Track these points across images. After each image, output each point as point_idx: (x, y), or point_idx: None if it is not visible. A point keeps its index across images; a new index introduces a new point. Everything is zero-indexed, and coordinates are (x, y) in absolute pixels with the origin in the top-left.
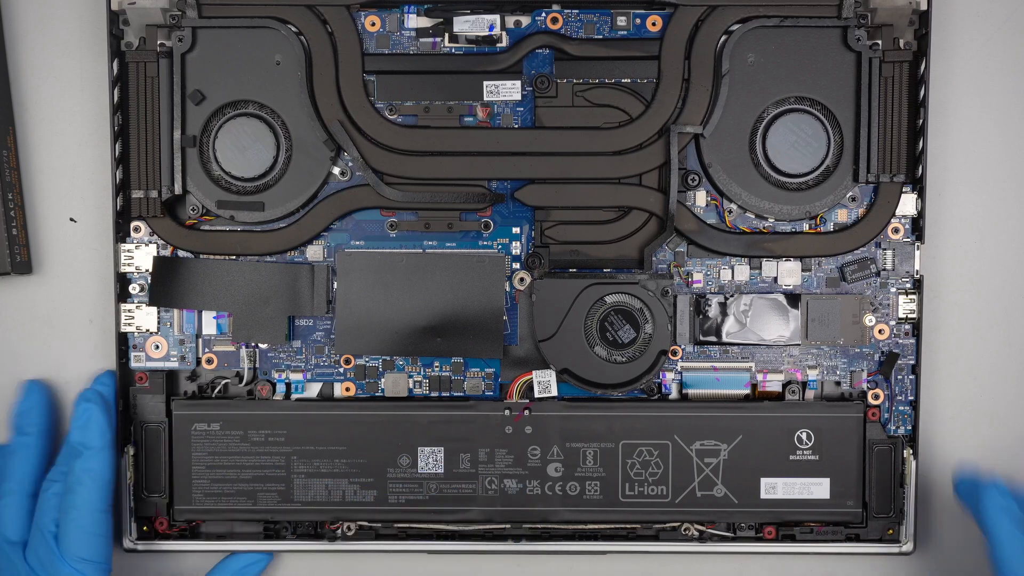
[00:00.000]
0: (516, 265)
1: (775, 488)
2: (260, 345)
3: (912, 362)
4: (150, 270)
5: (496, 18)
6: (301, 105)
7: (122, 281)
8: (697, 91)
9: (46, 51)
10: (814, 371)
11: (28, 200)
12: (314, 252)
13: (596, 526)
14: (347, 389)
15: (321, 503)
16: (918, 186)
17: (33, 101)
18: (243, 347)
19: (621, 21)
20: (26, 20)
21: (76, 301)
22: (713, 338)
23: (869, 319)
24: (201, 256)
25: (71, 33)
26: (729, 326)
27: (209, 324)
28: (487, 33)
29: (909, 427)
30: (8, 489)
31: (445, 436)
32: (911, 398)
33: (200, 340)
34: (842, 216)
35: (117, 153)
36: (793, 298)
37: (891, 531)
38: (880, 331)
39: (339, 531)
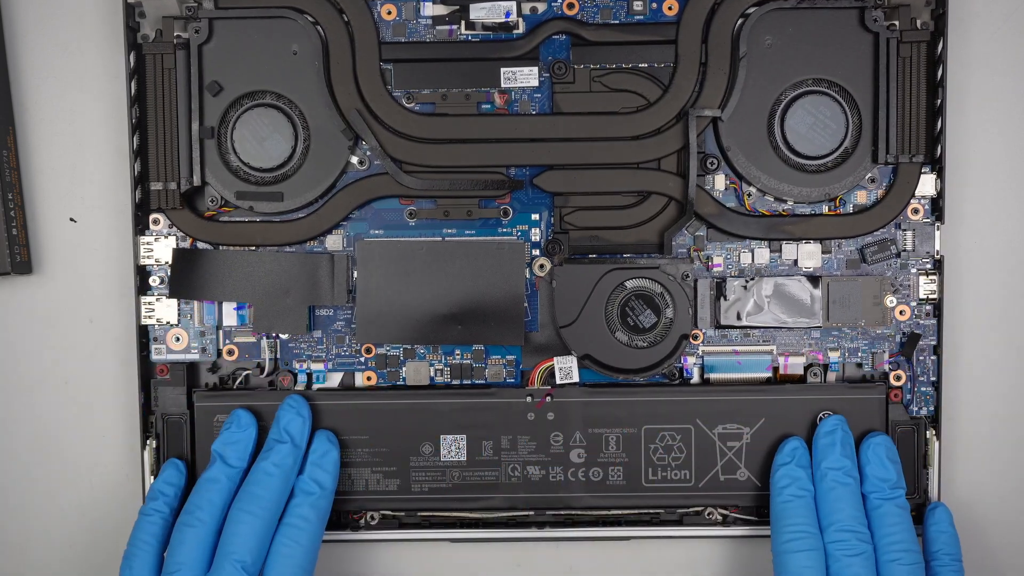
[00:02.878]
0: (536, 251)
1: None
2: (281, 335)
3: (933, 343)
4: (170, 262)
5: (512, 4)
6: (319, 94)
7: (142, 274)
8: (715, 74)
9: (46, 51)
10: (835, 353)
11: (28, 200)
12: (333, 242)
13: (620, 511)
14: (368, 378)
15: (344, 493)
16: (937, 166)
17: (33, 101)
18: (264, 338)
19: (637, 6)
20: (26, 21)
21: (76, 301)
22: (735, 321)
23: (890, 300)
24: (220, 247)
25: (73, 32)
26: (750, 309)
27: (229, 315)
28: (503, 20)
29: (932, 408)
30: (198, 519)
31: (467, 424)
32: (933, 379)
33: (220, 331)
34: (861, 197)
35: (135, 146)
36: (813, 280)
37: (914, 512)
38: (901, 312)
39: (363, 521)
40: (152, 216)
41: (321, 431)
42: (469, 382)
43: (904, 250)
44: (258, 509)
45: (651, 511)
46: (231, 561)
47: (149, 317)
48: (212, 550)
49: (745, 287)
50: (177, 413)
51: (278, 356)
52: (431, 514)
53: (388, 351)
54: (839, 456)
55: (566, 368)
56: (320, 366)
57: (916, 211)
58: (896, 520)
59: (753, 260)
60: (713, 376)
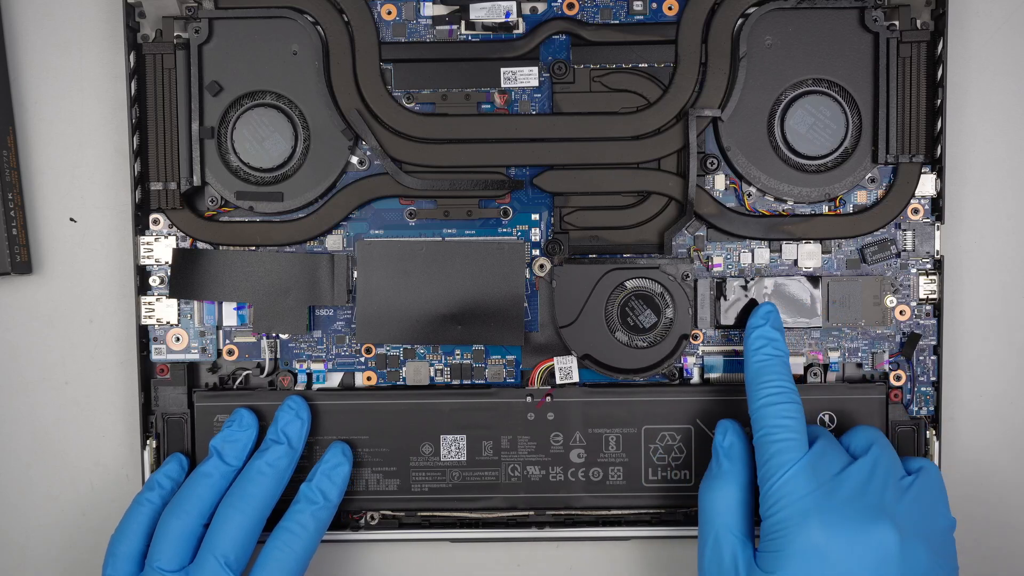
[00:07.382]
0: (536, 251)
1: None
2: (281, 335)
3: (933, 343)
4: (170, 262)
5: (512, 4)
6: (319, 95)
7: (142, 274)
8: (715, 74)
9: (46, 51)
10: (835, 353)
11: (28, 200)
12: (333, 242)
13: (620, 511)
14: (368, 378)
15: (344, 492)
16: (937, 166)
17: (33, 101)
18: (264, 338)
19: (637, 5)
20: (26, 20)
21: (76, 301)
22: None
23: (890, 300)
24: (220, 247)
25: (73, 32)
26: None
27: (229, 315)
28: (503, 20)
29: (932, 408)
30: (185, 510)
31: (467, 424)
32: (933, 379)
33: (220, 331)
34: (861, 197)
35: (135, 146)
36: (813, 280)
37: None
38: (901, 312)
39: (363, 521)
40: (152, 216)
41: (337, 443)
42: (469, 382)
43: (904, 250)
44: (247, 507)
45: (651, 511)
46: (214, 556)
47: (149, 317)
48: (196, 543)
49: (745, 287)
50: (177, 413)
51: (278, 356)
52: (431, 514)
53: (388, 351)
54: None
55: (566, 368)
56: (320, 366)
57: (916, 211)
58: None
59: (753, 260)
60: (713, 376)
